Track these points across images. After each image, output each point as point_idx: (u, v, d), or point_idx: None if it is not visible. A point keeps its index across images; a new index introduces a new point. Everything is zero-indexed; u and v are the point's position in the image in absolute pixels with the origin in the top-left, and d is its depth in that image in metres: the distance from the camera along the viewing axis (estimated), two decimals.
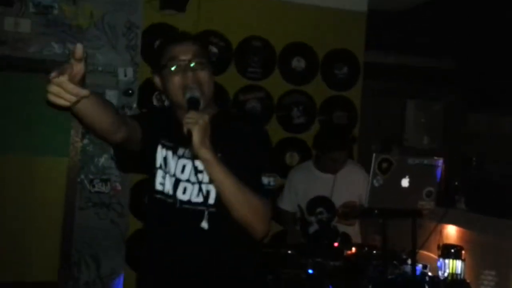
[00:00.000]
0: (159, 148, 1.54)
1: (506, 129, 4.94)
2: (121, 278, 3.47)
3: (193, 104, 1.41)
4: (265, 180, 1.49)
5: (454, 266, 2.40)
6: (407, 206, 2.35)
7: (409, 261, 2.36)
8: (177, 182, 1.50)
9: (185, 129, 1.35)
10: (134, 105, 3.55)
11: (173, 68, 1.46)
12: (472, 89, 4.72)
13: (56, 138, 4.02)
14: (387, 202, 2.32)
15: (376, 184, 2.28)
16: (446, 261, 2.43)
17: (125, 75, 3.46)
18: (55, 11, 3.36)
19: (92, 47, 3.44)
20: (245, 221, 1.42)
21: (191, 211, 1.48)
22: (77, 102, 1.14)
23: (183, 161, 1.51)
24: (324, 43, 3.87)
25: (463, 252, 2.44)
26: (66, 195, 3.45)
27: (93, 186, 3.44)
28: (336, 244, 2.70)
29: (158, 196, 1.53)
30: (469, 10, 3.98)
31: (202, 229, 1.45)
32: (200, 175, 1.46)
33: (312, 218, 2.90)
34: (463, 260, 2.42)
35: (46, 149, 4.20)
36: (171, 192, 1.51)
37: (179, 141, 1.48)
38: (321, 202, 2.89)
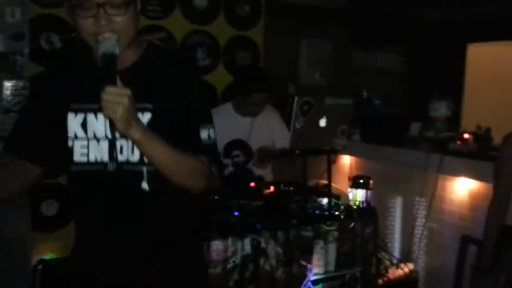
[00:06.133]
0: (70, 117, 1.34)
1: (385, 65, 5.42)
2: None
3: (107, 63, 1.18)
4: (204, 133, 1.38)
5: (363, 195, 2.66)
6: (324, 145, 2.52)
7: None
8: (112, 142, 1.32)
9: (103, 115, 1.19)
10: (26, 50, 3.08)
11: (82, 12, 1.23)
12: (357, 28, 5.02)
13: None
14: (307, 143, 2.45)
15: (298, 126, 2.38)
16: (356, 191, 2.68)
17: (13, 16, 2.96)
18: None
19: None
20: (184, 184, 1.33)
21: (129, 172, 1.33)
22: None
23: None
24: None
25: (371, 181, 2.70)
26: None
27: None
28: (252, 184, 2.81)
29: (82, 168, 1.35)
30: None
31: (143, 190, 1.32)
32: None
33: (228, 161, 2.94)
34: (370, 189, 2.69)
35: None
36: (105, 159, 1.34)
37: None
38: (238, 145, 2.92)
